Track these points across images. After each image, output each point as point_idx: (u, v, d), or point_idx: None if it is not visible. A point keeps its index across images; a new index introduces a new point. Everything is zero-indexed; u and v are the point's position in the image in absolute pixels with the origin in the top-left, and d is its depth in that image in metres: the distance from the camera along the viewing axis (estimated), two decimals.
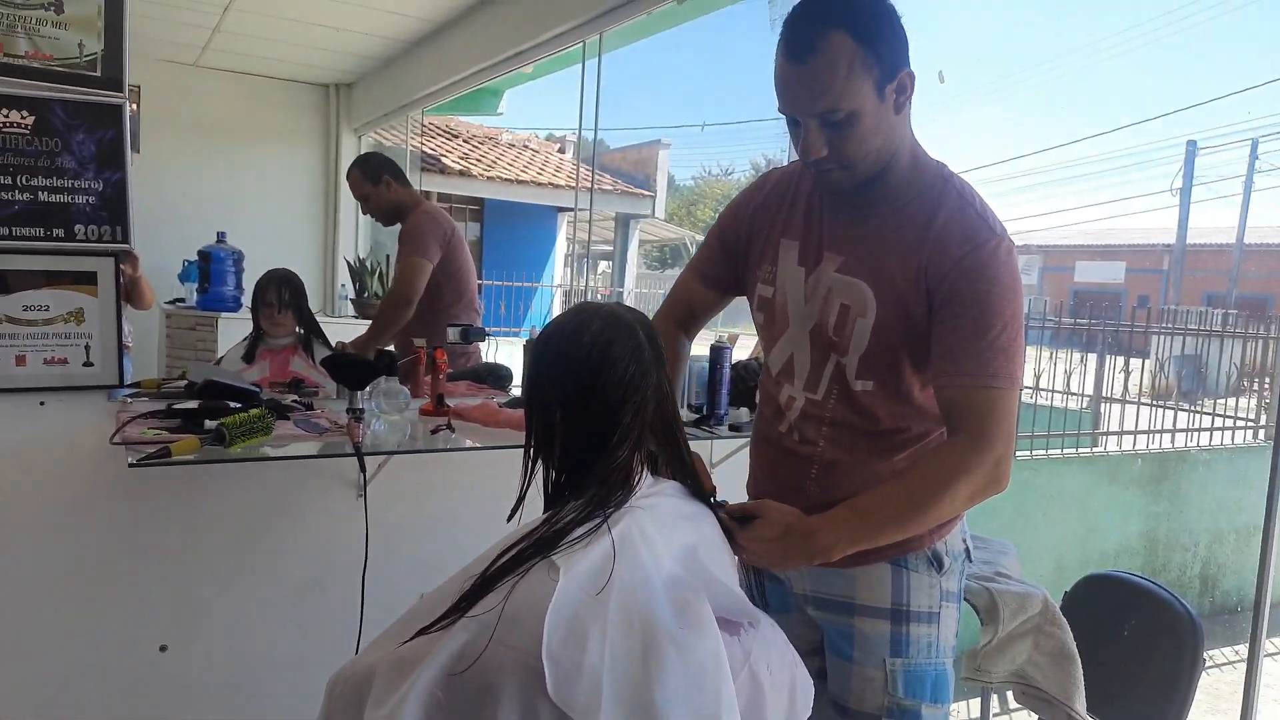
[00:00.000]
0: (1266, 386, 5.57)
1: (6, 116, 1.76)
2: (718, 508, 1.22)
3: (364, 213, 3.14)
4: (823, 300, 1.29)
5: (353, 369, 1.86)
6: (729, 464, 2.27)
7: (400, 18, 4.44)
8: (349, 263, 5.38)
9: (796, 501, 1.27)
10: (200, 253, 4.51)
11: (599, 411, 1.07)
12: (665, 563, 1.04)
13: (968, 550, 1.41)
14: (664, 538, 1.05)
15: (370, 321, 3.09)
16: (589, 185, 6.23)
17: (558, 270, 11.08)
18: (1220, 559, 4.60)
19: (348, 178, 3.09)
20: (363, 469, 1.73)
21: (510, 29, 3.83)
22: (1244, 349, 5.92)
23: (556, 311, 10.58)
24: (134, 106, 6.08)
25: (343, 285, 5.83)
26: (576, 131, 5.57)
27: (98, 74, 1.83)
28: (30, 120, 1.77)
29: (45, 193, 1.79)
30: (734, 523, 1.22)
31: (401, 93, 5.21)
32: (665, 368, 1.14)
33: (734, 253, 1.43)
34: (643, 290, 12.55)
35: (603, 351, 1.08)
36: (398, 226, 3.04)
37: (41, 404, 1.81)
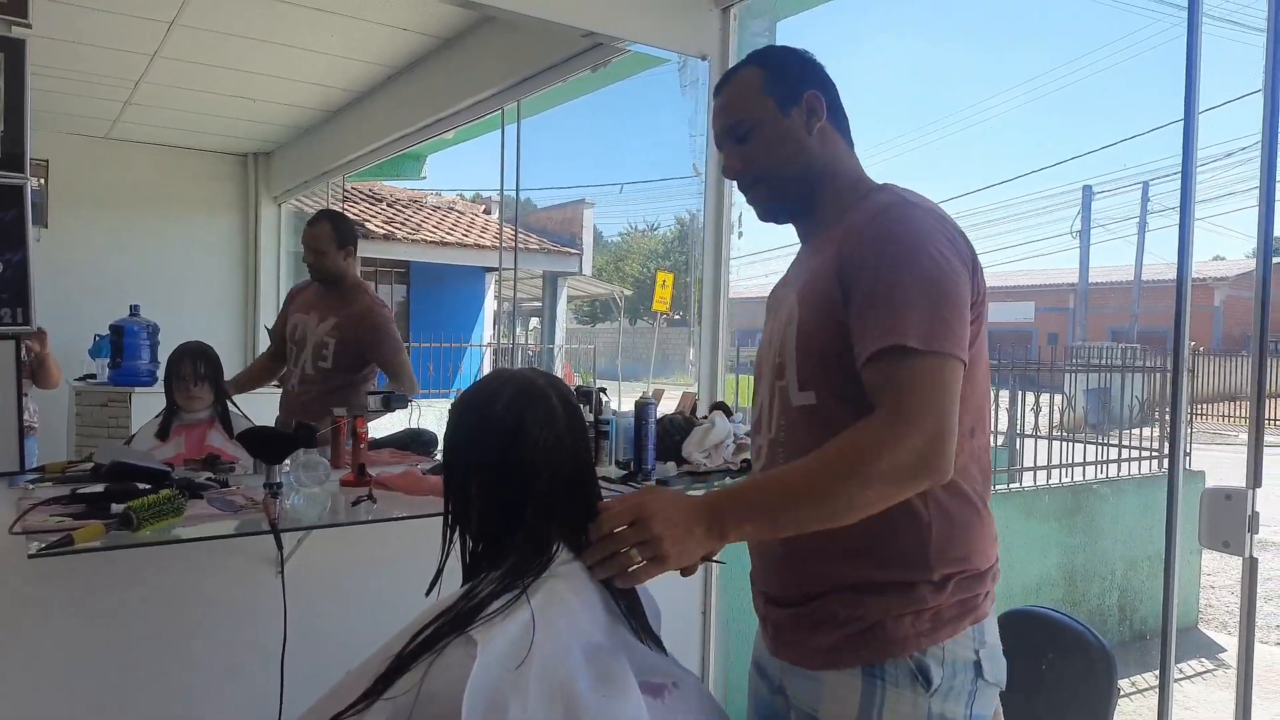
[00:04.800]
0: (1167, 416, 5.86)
1: None
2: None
3: (307, 261, 3.07)
4: (780, 337, 1.22)
5: (270, 442, 1.83)
6: None
7: (319, 88, 4.47)
8: (270, 330, 5.29)
9: (773, 550, 1.20)
10: (112, 327, 4.39)
11: (513, 481, 1.08)
12: (585, 629, 1.04)
13: (979, 665, 1.11)
14: (584, 603, 1.06)
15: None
16: (514, 245, 6.28)
17: (487, 329, 11.05)
18: (1135, 586, 4.78)
19: (315, 227, 3.02)
20: (279, 546, 1.70)
21: (430, 96, 3.88)
22: (1144, 382, 6.25)
23: (486, 371, 10.52)
24: (40, 181, 5.93)
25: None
26: (499, 192, 5.63)
27: None
28: None
29: None
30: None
31: (323, 160, 5.20)
32: (583, 430, 1.16)
33: None
34: (573, 345, 12.60)
35: (516, 420, 1.09)
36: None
37: None
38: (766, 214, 1.31)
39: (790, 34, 3.02)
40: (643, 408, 2.20)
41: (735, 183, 1.32)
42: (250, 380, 3.32)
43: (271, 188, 6.03)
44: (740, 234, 2.69)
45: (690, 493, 1.18)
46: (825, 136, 1.26)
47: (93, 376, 4.59)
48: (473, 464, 1.10)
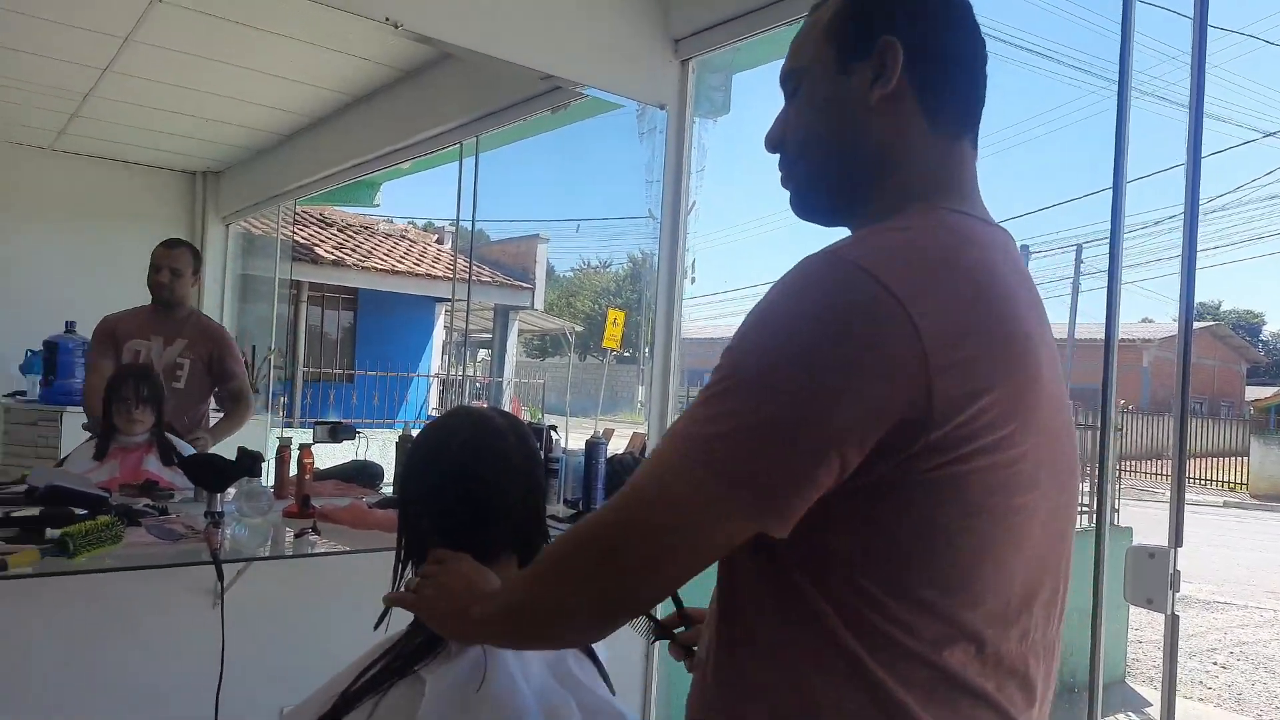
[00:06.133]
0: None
1: None
2: None
3: (160, 280, 3.18)
4: None
5: (213, 469, 1.81)
6: None
7: (275, 111, 4.44)
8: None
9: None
10: (46, 343, 4.27)
11: (466, 519, 1.09)
12: (535, 670, 1.05)
13: None
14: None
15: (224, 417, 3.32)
16: (467, 277, 6.27)
17: (435, 360, 10.96)
18: (1065, 639, 4.87)
19: (176, 249, 3.22)
20: (220, 577, 1.66)
21: (387, 127, 3.89)
22: (1083, 438, 6.44)
23: (433, 402, 10.40)
24: None
25: None
26: (454, 223, 5.64)
27: None
28: None
29: None
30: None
31: (274, 183, 5.15)
32: (538, 473, 1.17)
33: None
34: (521, 379, 12.54)
35: (472, 458, 1.10)
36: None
37: None
38: (801, 209, 0.92)
39: (746, 88, 3.11)
40: (593, 447, 2.22)
41: (778, 161, 0.92)
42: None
43: (220, 208, 5.93)
44: (693, 280, 2.74)
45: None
46: (892, 107, 0.84)
47: (22, 393, 4.44)
48: (426, 500, 1.11)
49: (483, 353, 13.18)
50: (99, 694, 1.79)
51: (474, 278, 10.17)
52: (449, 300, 9.76)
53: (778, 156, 0.91)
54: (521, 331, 13.45)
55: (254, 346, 5.28)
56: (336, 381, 9.63)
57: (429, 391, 10.38)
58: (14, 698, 1.72)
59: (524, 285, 11.15)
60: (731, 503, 0.69)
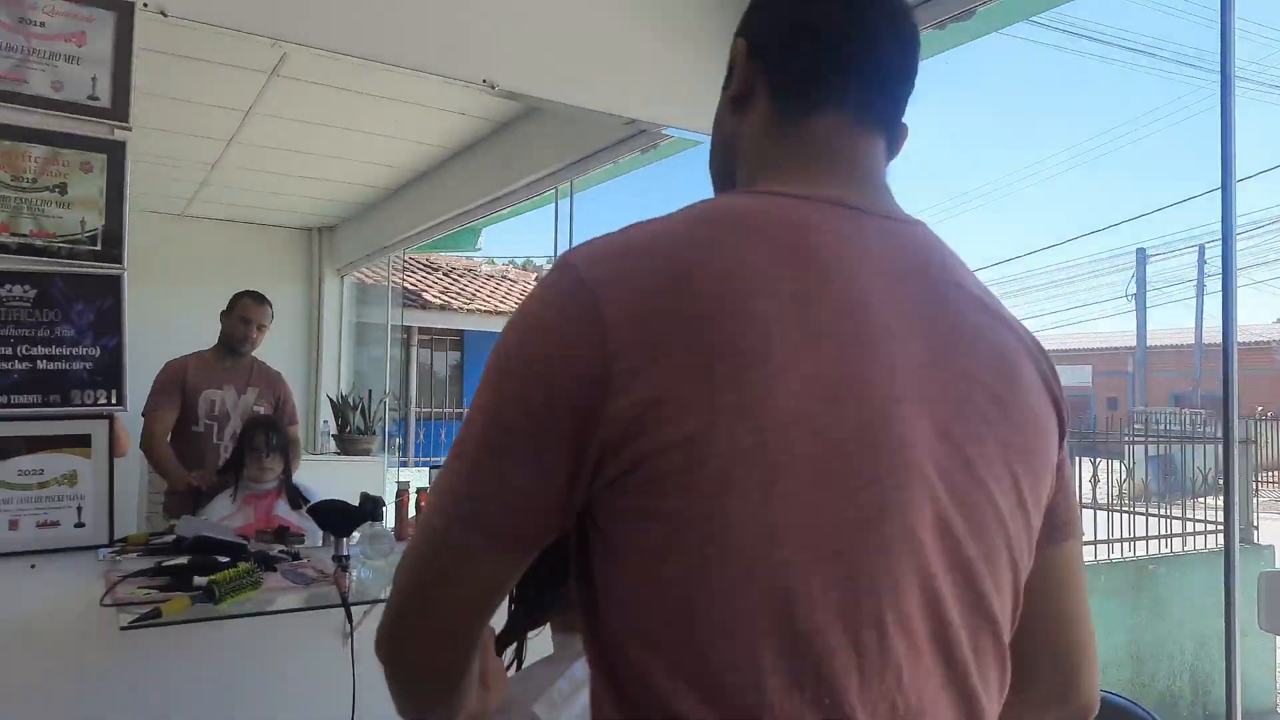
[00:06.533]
0: None
1: (9, 291, 1.85)
2: None
3: (245, 335, 3.43)
4: None
5: (339, 515, 1.92)
6: None
7: (380, 167, 4.69)
8: (331, 399, 5.46)
9: None
10: None
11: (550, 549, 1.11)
12: None
13: None
14: None
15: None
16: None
17: None
18: (1207, 668, 4.59)
19: (264, 304, 3.46)
20: (349, 618, 1.77)
21: (486, 176, 4.06)
22: (1208, 449, 6.05)
23: None
24: None
25: (325, 422, 5.89)
26: (550, 261, 5.78)
27: (98, 248, 1.94)
28: (32, 294, 1.87)
29: (44, 360, 1.88)
30: None
31: (383, 235, 5.42)
32: None
33: None
34: None
35: None
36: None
37: (32, 566, 1.85)
38: None
39: None
40: None
41: None
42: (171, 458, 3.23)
43: (335, 260, 6.27)
44: None
45: None
46: (745, 103, 0.81)
47: None
48: None
49: None
50: None
51: None
52: None
53: None
54: None
55: (370, 390, 5.52)
56: (447, 420, 9.97)
57: None
58: None
59: None
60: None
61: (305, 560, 2.01)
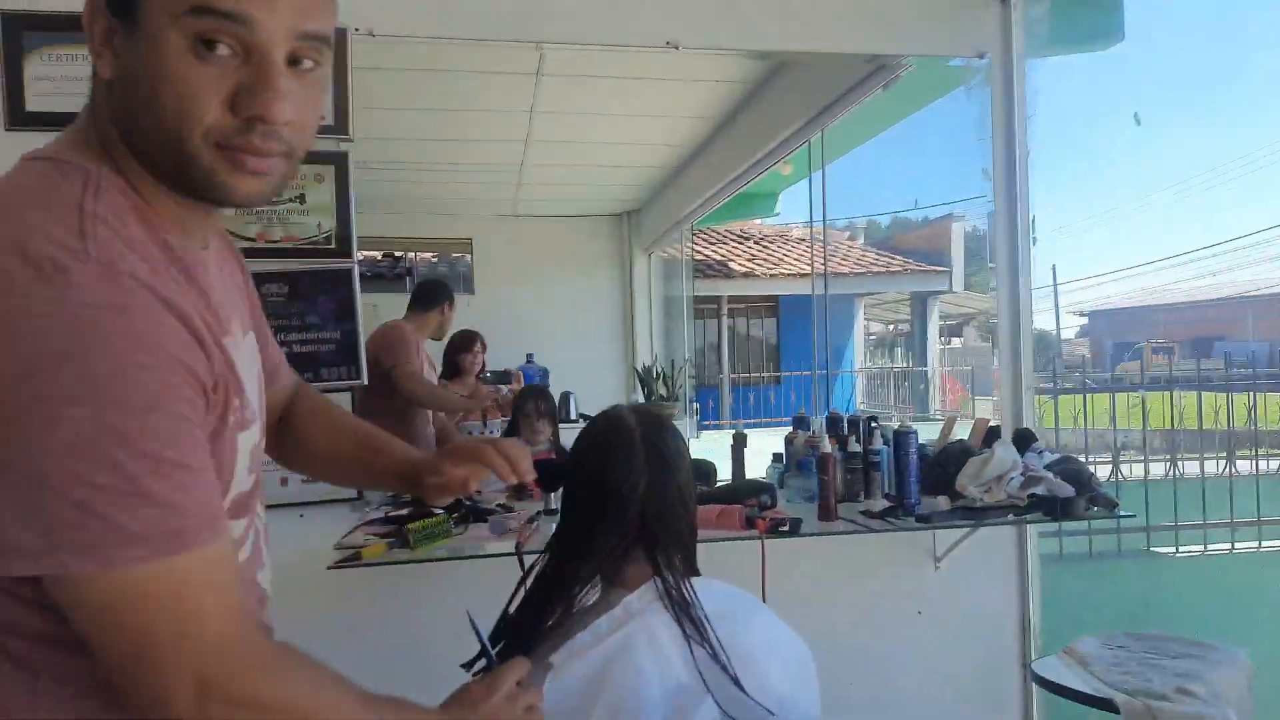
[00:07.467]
0: None
1: (268, 289, 2.13)
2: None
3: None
4: None
5: (549, 473, 2.08)
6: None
7: (661, 147, 4.97)
8: (637, 371, 5.92)
9: None
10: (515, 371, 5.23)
11: (590, 517, 1.15)
12: (675, 669, 1.07)
13: None
14: (672, 637, 1.08)
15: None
16: (880, 269, 6.27)
17: (858, 355, 10.99)
18: None
19: (451, 301, 3.63)
20: (522, 567, 1.91)
21: (745, 142, 4.16)
22: None
23: (859, 396, 10.45)
24: (468, 256, 7.27)
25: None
26: (809, 223, 5.75)
27: (333, 246, 2.24)
28: (285, 290, 2.22)
29: (298, 345, 2.21)
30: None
31: (673, 211, 5.74)
32: (668, 469, 1.15)
33: None
34: (950, 367, 11.94)
35: (598, 460, 1.16)
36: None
37: (301, 516, 2.13)
38: None
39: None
40: (901, 437, 2.12)
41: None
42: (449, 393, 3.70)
43: (642, 240, 6.73)
44: (1034, 240, 2.49)
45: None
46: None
47: None
48: (569, 494, 1.20)
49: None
50: (414, 665, 2.16)
51: (883, 269, 10.01)
52: (864, 295, 9.76)
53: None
54: (943, 315, 12.76)
55: (672, 361, 5.90)
56: (765, 385, 10.15)
57: (854, 386, 10.44)
58: (361, 663, 2.15)
59: (939, 269, 10.64)
60: None
61: (516, 513, 2.14)
